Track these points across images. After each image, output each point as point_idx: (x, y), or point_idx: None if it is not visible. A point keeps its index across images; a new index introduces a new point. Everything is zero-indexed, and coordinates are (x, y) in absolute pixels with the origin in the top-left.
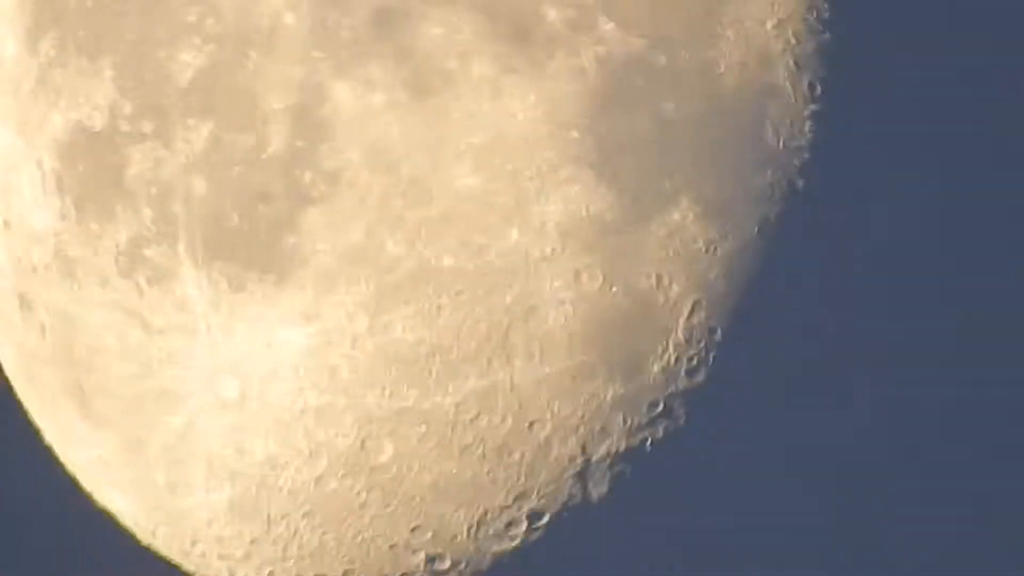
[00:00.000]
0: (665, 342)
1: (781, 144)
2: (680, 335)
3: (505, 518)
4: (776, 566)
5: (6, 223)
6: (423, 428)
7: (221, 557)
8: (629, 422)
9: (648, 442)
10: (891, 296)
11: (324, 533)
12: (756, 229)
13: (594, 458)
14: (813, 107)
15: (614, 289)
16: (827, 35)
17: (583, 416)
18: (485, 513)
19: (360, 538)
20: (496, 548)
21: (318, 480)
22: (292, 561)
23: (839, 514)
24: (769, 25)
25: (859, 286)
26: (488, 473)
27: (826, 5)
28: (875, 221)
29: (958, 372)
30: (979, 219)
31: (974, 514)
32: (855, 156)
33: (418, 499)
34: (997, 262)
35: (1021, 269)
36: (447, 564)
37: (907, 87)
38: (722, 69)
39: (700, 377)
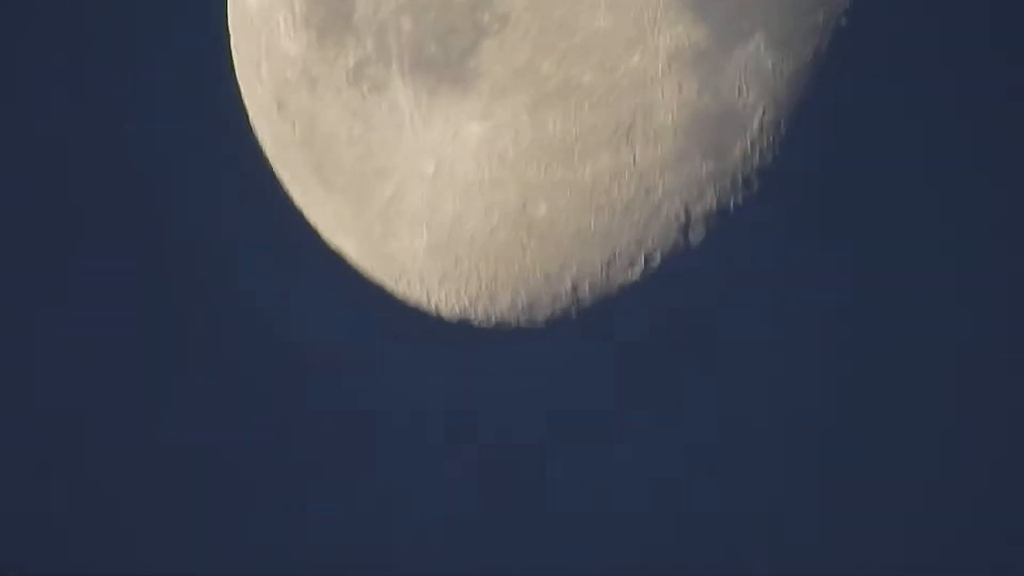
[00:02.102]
0: (743, 134)
1: None
2: (754, 129)
3: (627, 258)
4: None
5: (268, 50)
6: (568, 193)
7: (422, 285)
8: (718, 189)
9: (731, 205)
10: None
11: (497, 267)
12: (811, 55)
13: (693, 215)
14: None
15: (706, 96)
16: None
17: (685, 184)
18: (613, 254)
19: (523, 271)
20: (620, 280)
21: (492, 231)
22: (473, 288)
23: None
24: None
25: (894, 104)
26: (616, 225)
27: None
28: (909, 56)
29: None
30: None
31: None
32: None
33: (565, 243)
34: None
35: None
36: (586, 290)
37: None
38: None
39: (768, 159)
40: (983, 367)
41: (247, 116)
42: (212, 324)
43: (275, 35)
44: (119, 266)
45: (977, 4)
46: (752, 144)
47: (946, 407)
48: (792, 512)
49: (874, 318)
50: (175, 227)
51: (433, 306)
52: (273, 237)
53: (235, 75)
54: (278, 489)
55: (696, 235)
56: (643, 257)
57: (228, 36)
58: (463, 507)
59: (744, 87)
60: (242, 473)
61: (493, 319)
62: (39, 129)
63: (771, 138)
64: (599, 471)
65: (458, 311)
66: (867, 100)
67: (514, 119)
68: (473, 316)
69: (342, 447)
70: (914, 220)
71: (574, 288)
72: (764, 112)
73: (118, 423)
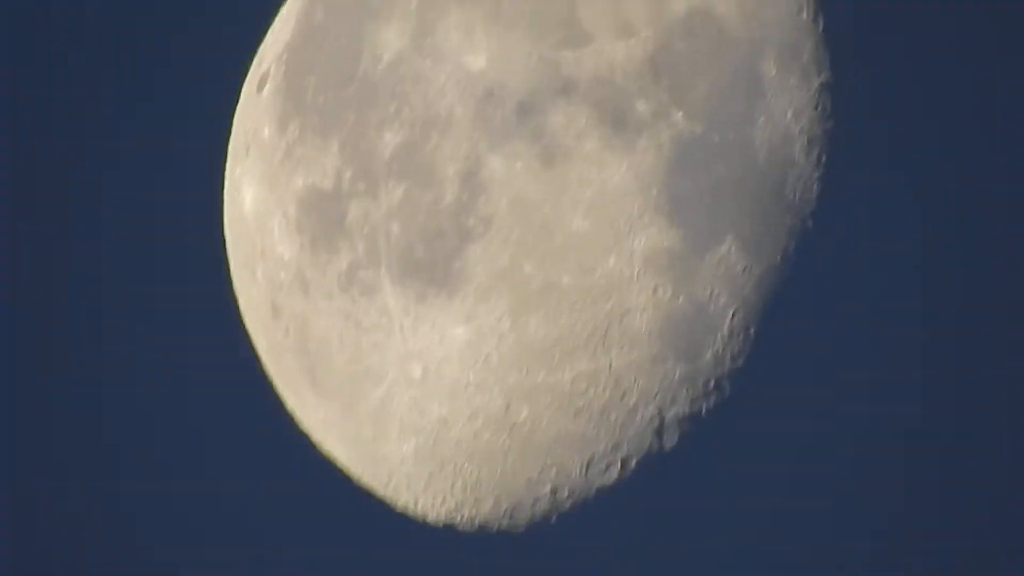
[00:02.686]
0: (715, 337)
1: (797, 198)
2: (725, 332)
3: (605, 461)
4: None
5: (263, 252)
6: (549, 397)
7: (408, 488)
8: (691, 393)
9: (704, 408)
10: (880, 307)
11: (480, 471)
12: (779, 257)
13: (667, 419)
14: (819, 173)
15: (680, 299)
16: (831, 122)
17: (659, 389)
18: (591, 457)
19: (504, 475)
20: (599, 483)
21: (475, 434)
22: (458, 491)
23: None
24: (789, 115)
25: (856, 299)
26: (593, 429)
27: (829, 101)
28: (869, 254)
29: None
30: (968, 260)
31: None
32: (851, 208)
33: (545, 447)
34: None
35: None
36: (565, 493)
37: (894, 166)
38: (757, 145)
39: (740, 362)
40: None
41: (242, 319)
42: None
43: (270, 239)
44: None
45: (931, 196)
46: (723, 348)
47: None
48: None
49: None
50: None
51: (420, 510)
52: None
53: (231, 277)
54: None
55: (670, 439)
56: (619, 461)
57: (224, 238)
58: None
59: (715, 289)
60: None
61: (477, 523)
62: None
63: (741, 342)
64: None
65: (444, 515)
66: (833, 301)
67: (497, 323)
68: (458, 520)
69: None
70: (887, 411)
71: (553, 492)
72: (734, 315)
73: None
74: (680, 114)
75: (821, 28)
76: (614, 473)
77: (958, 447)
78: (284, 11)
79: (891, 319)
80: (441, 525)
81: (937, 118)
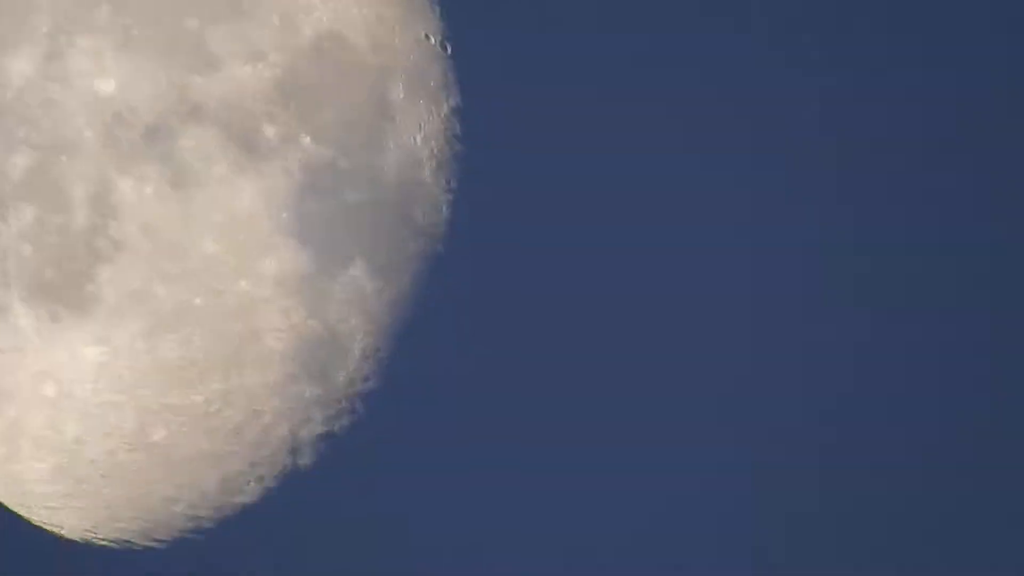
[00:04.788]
0: (347, 358)
1: (426, 222)
2: (356, 353)
3: (242, 480)
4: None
5: None
6: (183, 417)
7: (45, 507)
8: (324, 414)
9: (336, 427)
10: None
11: (117, 490)
12: (410, 280)
13: (301, 438)
14: (449, 196)
15: (311, 321)
16: (460, 146)
17: (292, 408)
18: (227, 476)
19: (141, 494)
20: (235, 500)
21: (110, 452)
22: (94, 510)
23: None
24: (418, 139)
25: (489, 322)
26: (228, 448)
27: (459, 125)
28: (501, 275)
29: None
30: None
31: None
32: (482, 229)
33: (181, 466)
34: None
35: None
36: (202, 511)
37: (526, 189)
38: (386, 169)
39: (371, 384)
40: None
41: None
42: None
43: None
44: None
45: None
46: (355, 369)
47: None
48: None
49: None
50: None
51: (57, 528)
52: None
53: None
54: None
55: (303, 458)
56: (254, 479)
57: None
58: None
59: (347, 311)
60: None
61: (118, 540)
62: None
63: (372, 362)
64: None
65: (82, 533)
66: (466, 321)
67: (130, 343)
68: (97, 537)
69: None
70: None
71: (189, 508)
72: (365, 336)
73: None
74: (308, 139)
75: (449, 53)
76: (249, 491)
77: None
78: None
79: (519, 343)
80: (80, 541)
81: (565, 142)
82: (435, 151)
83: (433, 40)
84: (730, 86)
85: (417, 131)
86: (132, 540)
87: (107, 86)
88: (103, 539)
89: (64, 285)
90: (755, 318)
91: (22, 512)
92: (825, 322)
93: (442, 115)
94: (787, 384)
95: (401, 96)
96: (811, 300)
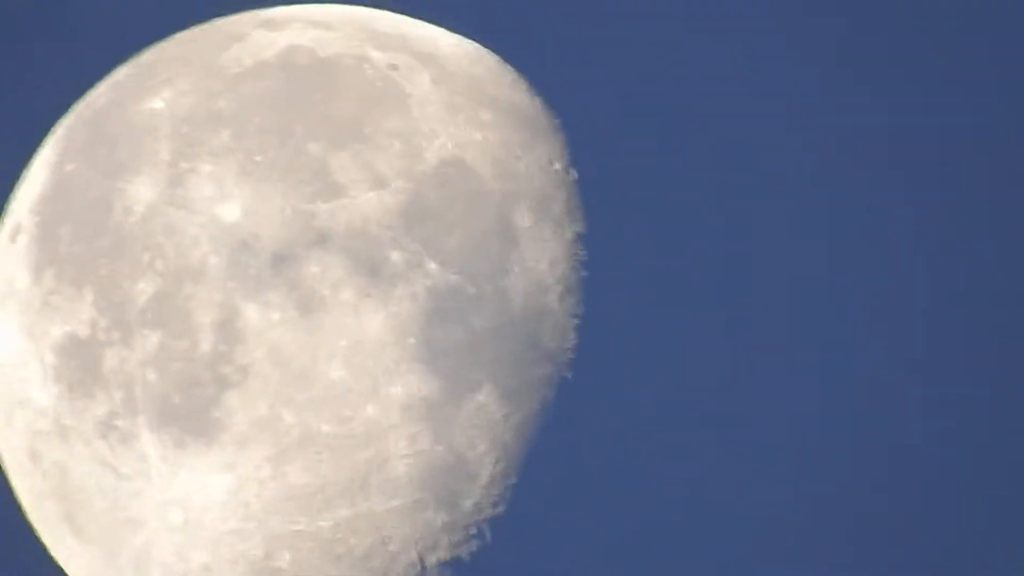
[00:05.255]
0: (475, 484)
1: (554, 347)
2: (485, 479)
3: None
4: None
5: (20, 401)
6: (311, 543)
7: None
8: (451, 539)
9: (465, 554)
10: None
11: None
12: (538, 406)
13: (428, 564)
14: (576, 322)
15: (439, 447)
16: (584, 272)
17: (420, 535)
18: None
19: None
20: None
21: None
22: None
23: None
24: (544, 265)
25: (613, 448)
26: (355, 574)
27: (583, 252)
28: (625, 402)
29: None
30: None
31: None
32: (607, 354)
33: None
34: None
35: None
36: None
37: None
38: (512, 295)
39: (500, 509)
40: None
41: (1, 466)
42: None
43: (28, 386)
44: None
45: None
46: (483, 495)
47: None
48: None
49: None
50: None
51: None
52: None
53: None
54: None
55: None
56: None
57: None
58: None
59: (474, 437)
60: None
61: None
62: None
63: (502, 489)
64: None
65: None
66: (592, 447)
67: (256, 471)
68: None
69: None
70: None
71: None
72: (494, 462)
73: None
74: (434, 264)
75: (574, 179)
76: None
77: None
78: (36, 163)
79: (644, 468)
80: None
81: (690, 265)
82: (561, 277)
83: (558, 165)
84: None
85: (543, 257)
86: None
87: (231, 212)
88: None
89: (190, 412)
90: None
91: None
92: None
93: (567, 241)
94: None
95: (526, 222)
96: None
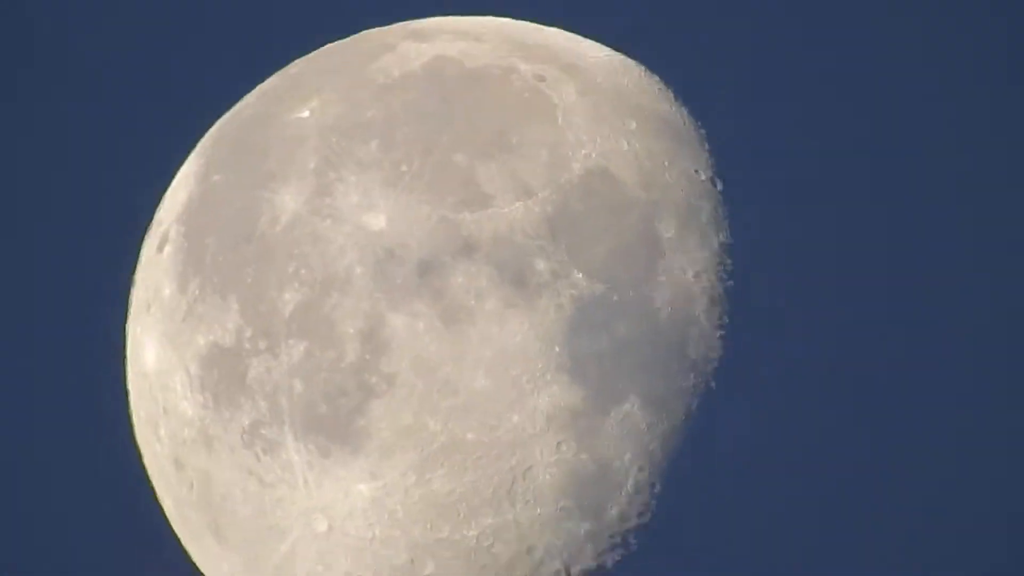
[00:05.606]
0: (620, 493)
1: (699, 357)
2: (630, 488)
3: None
4: None
5: (165, 410)
6: (454, 551)
7: None
8: (596, 548)
9: (609, 563)
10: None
11: None
12: (683, 415)
13: (572, 573)
14: (721, 332)
15: (584, 456)
16: (730, 282)
17: (564, 543)
18: None
19: None
20: None
21: None
22: None
23: None
24: (690, 274)
25: (759, 459)
26: None
27: (729, 261)
28: (771, 412)
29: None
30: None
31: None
32: (751, 367)
33: None
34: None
35: None
36: None
37: (792, 323)
38: (658, 304)
39: (645, 518)
40: None
41: (146, 473)
42: None
43: (173, 396)
44: None
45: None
46: (628, 504)
47: None
48: None
49: None
50: None
51: None
52: None
53: (133, 432)
54: None
55: None
56: None
57: (127, 396)
58: None
59: (620, 446)
60: None
61: None
62: None
63: (646, 498)
64: None
65: None
66: (737, 457)
67: (401, 479)
68: None
69: None
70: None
71: None
72: (639, 471)
73: None
74: (580, 274)
75: (720, 189)
76: None
77: None
78: (182, 172)
79: (795, 477)
80: None
81: (835, 275)
82: (707, 287)
83: (703, 175)
84: None
85: (688, 267)
86: None
87: (376, 222)
88: None
89: (335, 421)
90: None
91: None
92: None
93: (713, 251)
94: None
95: (672, 232)
96: None
